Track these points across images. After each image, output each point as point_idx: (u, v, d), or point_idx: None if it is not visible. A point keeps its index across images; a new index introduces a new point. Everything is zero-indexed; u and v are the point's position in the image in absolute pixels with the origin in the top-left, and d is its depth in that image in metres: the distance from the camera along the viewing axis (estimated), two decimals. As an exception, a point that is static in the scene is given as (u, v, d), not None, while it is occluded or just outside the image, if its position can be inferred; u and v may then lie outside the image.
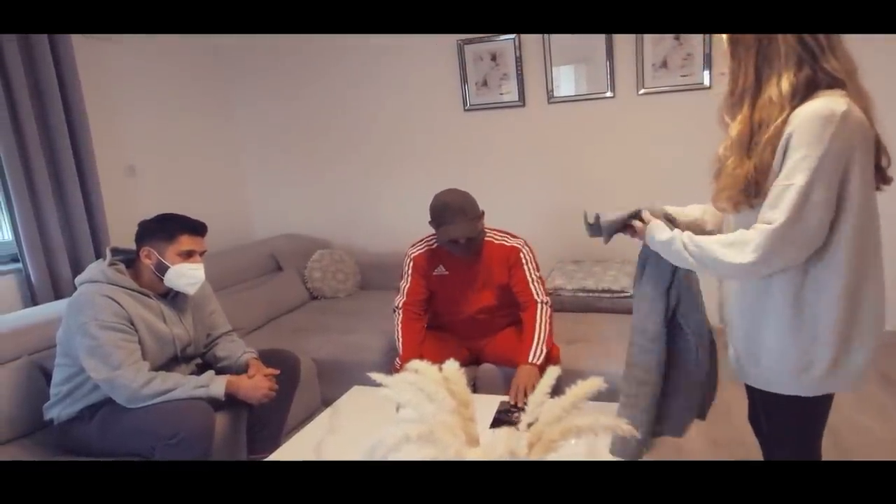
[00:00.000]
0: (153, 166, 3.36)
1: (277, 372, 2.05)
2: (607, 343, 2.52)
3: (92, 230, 2.80)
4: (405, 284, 2.37)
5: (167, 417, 1.72)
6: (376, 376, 1.14)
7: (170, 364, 1.97)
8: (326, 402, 2.58)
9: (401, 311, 2.34)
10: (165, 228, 1.90)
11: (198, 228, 1.96)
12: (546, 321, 2.25)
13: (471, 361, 2.46)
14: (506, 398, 2.03)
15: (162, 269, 1.89)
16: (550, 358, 2.22)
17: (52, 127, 2.64)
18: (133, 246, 1.97)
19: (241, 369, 2.06)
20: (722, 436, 2.38)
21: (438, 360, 2.26)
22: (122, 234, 3.02)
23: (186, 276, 1.91)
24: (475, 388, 2.46)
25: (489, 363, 2.42)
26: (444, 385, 1.17)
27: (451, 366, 1.22)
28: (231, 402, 2.06)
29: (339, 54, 3.78)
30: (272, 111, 4.00)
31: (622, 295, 2.93)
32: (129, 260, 1.96)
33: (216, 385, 1.86)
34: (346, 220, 4.02)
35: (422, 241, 2.39)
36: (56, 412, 1.84)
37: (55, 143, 2.66)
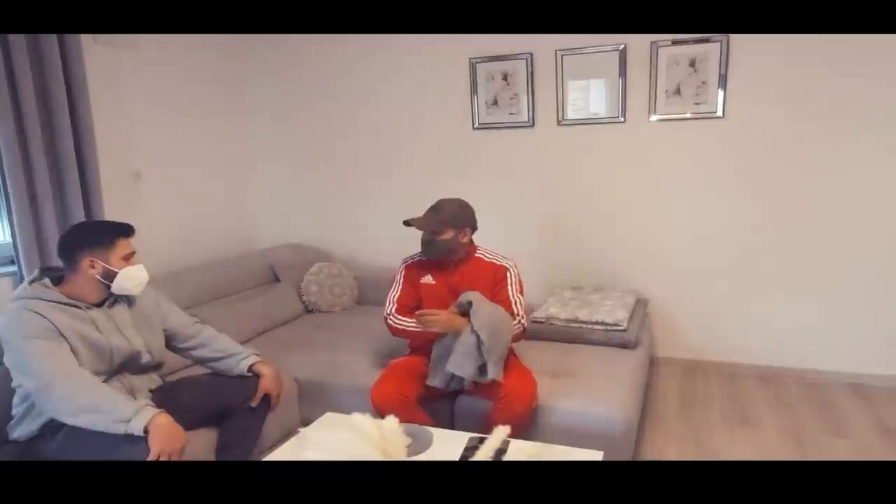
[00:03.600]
0: (161, 172, 3.39)
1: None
2: (593, 379, 2.46)
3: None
4: (395, 293, 2.48)
5: (128, 442, 1.71)
6: (307, 431, 1.12)
7: (124, 375, 1.96)
8: (305, 423, 2.57)
9: (394, 317, 2.42)
10: (102, 236, 1.91)
11: (129, 231, 1.97)
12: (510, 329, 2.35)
13: (450, 392, 2.43)
14: (476, 435, 2.00)
15: (109, 275, 1.89)
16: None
17: (56, 130, 2.67)
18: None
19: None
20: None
21: (417, 389, 2.27)
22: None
23: (134, 277, 1.93)
24: (453, 421, 2.44)
25: (466, 394, 2.40)
26: (379, 445, 1.15)
27: (391, 423, 1.19)
28: (200, 423, 2.06)
29: (350, 67, 3.77)
30: (282, 122, 4.01)
31: (616, 328, 2.86)
32: (58, 277, 1.94)
33: (138, 420, 1.71)
34: (348, 233, 4.02)
35: (412, 255, 2.54)
36: (18, 432, 1.85)
37: (59, 146, 2.68)
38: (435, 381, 2.31)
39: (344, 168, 3.95)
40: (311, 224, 4.10)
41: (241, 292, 3.30)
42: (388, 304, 2.47)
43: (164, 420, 1.73)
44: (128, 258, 1.93)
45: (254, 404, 2.11)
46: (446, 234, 2.36)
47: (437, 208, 2.38)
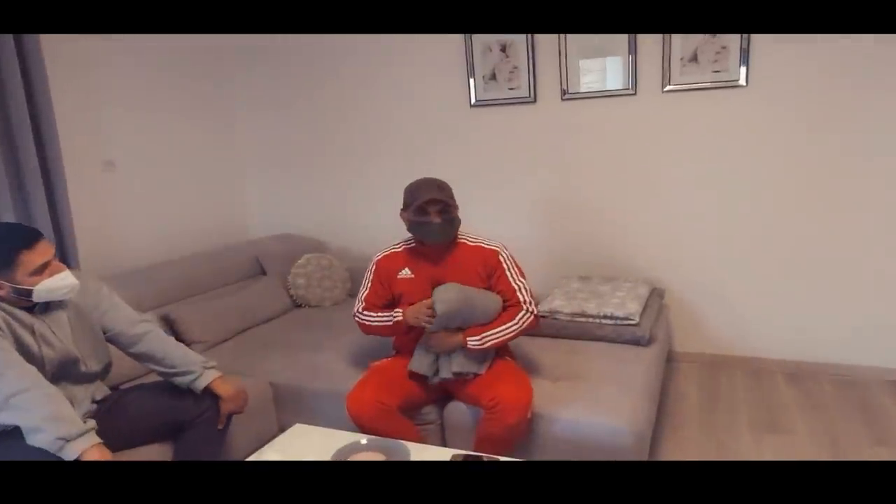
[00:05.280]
0: (138, 162, 3.18)
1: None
2: (600, 382, 2.19)
3: (56, 232, 2.64)
4: (363, 292, 2.23)
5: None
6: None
7: (63, 385, 1.73)
8: (283, 430, 2.36)
9: (360, 314, 2.20)
10: None
11: (32, 239, 1.65)
12: (519, 326, 2.09)
13: (440, 397, 2.20)
14: (460, 451, 1.76)
15: (25, 293, 1.63)
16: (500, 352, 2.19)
17: (13, 123, 2.48)
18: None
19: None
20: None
21: (400, 395, 2.04)
22: (95, 233, 2.89)
23: (57, 289, 1.66)
24: (443, 429, 2.20)
25: (458, 401, 2.16)
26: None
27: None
28: (152, 437, 1.86)
29: (341, 47, 3.52)
30: (272, 106, 3.78)
31: (627, 322, 2.58)
32: None
33: (79, 442, 1.50)
34: (341, 222, 3.78)
35: (387, 247, 2.25)
36: None
37: (16, 140, 2.50)
38: (416, 366, 2.10)
39: (335, 154, 3.72)
40: (303, 213, 3.87)
41: (222, 287, 3.08)
42: (356, 303, 2.23)
43: (103, 451, 1.53)
44: (40, 271, 1.64)
45: (220, 427, 1.90)
46: (454, 211, 2.10)
47: (439, 186, 2.09)
